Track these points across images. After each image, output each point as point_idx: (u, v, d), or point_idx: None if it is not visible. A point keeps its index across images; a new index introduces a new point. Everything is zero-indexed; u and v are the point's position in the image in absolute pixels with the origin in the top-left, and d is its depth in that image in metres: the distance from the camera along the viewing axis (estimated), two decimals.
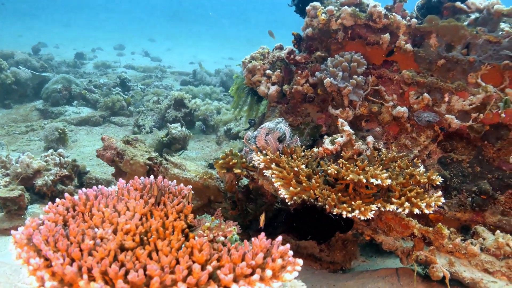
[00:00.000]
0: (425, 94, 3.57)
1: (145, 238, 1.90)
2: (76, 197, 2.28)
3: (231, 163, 3.38)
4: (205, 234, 1.84)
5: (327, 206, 2.44)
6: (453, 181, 3.50)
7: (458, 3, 3.75)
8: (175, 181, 2.42)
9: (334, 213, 2.41)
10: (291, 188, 2.58)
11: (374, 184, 2.48)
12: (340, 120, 3.46)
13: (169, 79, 13.62)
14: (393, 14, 3.70)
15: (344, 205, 2.42)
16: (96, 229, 1.91)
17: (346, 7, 3.71)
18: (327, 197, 2.50)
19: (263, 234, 1.70)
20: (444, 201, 3.46)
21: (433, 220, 3.53)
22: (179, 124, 6.35)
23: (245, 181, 3.62)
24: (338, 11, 3.78)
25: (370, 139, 3.52)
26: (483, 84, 3.47)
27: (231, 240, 1.83)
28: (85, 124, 8.15)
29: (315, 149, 3.34)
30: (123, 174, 4.18)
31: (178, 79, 13.60)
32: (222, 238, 1.82)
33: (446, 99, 3.56)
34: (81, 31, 32.06)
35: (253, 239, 1.70)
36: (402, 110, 3.59)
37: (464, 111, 3.52)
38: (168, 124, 6.62)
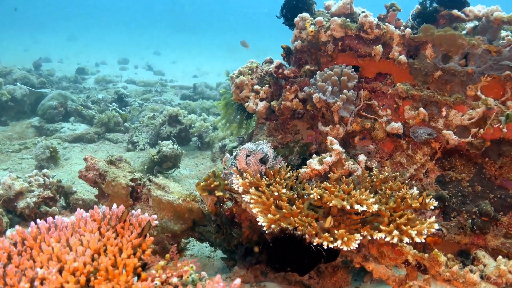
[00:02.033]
0: (421, 109, 3.34)
1: (93, 278, 1.69)
2: (28, 229, 2.09)
3: (212, 185, 3.18)
4: (157, 275, 1.63)
5: (307, 236, 2.22)
6: (452, 201, 3.26)
7: (455, 11, 3.53)
8: (139, 209, 2.21)
9: (315, 243, 2.18)
10: (269, 215, 2.36)
11: (359, 210, 2.25)
12: (329, 138, 3.24)
13: (169, 94, 13.48)
14: (386, 24, 3.49)
15: (326, 234, 2.19)
16: (38, 269, 1.71)
17: (335, 17, 3.51)
18: (308, 225, 2.28)
19: (218, 276, 1.48)
20: (439, 225, 3.22)
21: (430, 244, 3.28)
22: (171, 141, 6.16)
23: (229, 203, 3.41)
24: (328, 22, 3.58)
25: (361, 158, 3.29)
26: (483, 96, 3.24)
27: (186, 282, 1.61)
28: (80, 141, 7.99)
29: (302, 170, 3.12)
30: (106, 196, 3.99)
31: (179, 93, 13.46)
32: (175, 280, 1.60)
33: (444, 113, 3.33)
34: (87, 44, 32.22)
35: (207, 282, 1.48)
36: (396, 126, 3.36)
37: (463, 126, 3.29)
38: (160, 141, 6.43)
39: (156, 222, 2.15)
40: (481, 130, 3.22)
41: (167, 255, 1.76)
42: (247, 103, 3.96)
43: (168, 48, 34.33)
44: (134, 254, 1.86)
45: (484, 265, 2.76)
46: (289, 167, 2.97)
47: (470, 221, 3.17)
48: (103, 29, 46.27)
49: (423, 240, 2.27)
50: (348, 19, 3.56)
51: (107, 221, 2.11)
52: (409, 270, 2.62)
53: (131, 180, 3.88)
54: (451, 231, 3.19)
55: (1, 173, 5.93)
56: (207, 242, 3.67)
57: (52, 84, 12.60)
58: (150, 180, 3.91)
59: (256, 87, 3.94)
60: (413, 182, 3.35)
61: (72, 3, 63.98)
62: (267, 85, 3.91)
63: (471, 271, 2.70)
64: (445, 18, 3.58)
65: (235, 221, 3.30)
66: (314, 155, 3.23)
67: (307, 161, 3.16)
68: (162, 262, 1.70)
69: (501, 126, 3.18)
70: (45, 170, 4.73)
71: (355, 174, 3.09)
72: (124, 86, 14.05)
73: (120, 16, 60.11)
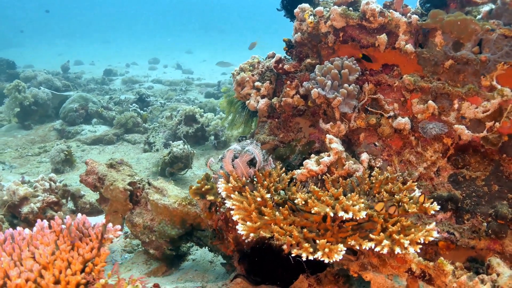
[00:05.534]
0: (430, 102, 3.07)
1: None
2: None
3: (203, 189, 3.00)
4: None
5: (285, 246, 2.02)
6: (465, 202, 2.97)
7: None
8: (103, 220, 2.06)
9: (293, 255, 1.98)
10: (248, 222, 2.17)
11: (344, 218, 2.03)
12: (328, 136, 3.01)
13: (193, 92, 13.39)
14: (391, 11, 3.22)
15: (306, 245, 1.98)
16: None
17: (335, 6, 3.26)
18: (288, 234, 2.07)
19: None
20: (452, 228, 2.95)
21: (443, 249, 3.01)
22: (182, 141, 6.03)
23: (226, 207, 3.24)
24: (328, 12, 3.34)
25: (364, 156, 3.06)
26: (499, 86, 2.93)
27: None
28: (99, 143, 7.98)
29: (298, 171, 2.91)
30: (106, 201, 3.89)
31: (203, 91, 13.35)
32: None
33: (456, 106, 3.04)
34: (121, 47, 32.72)
35: None
36: (403, 121, 3.10)
37: (477, 119, 3.00)
38: (171, 142, 6.31)
39: (120, 233, 2.00)
40: (497, 124, 2.92)
41: (109, 273, 1.60)
42: (248, 101, 3.77)
43: (200, 47, 34.39)
44: (84, 269, 1.71)
45: (498, 275, 2.49)
46: (283, 169, 2.76)
47: (485, 224, 2.88)
48: (137, 31, 47.02)
49: (418, 250, 2.03)
50: (350, 8, 3.31)
51: (66, 232, 1.96)
52: (410, 281, 2.38)
53: (130, 184, 3.76)
54: (464, 235, 2.91)
55: (18, 178, 5.93)
56: (206, 247, 3.51)
57: (79, 87, 12.74)
58: (149, 183, 3.78)
59: (257, 83, 3.74)
60: (418, 182, 3.09)
61: (107, 6, 65.32)
62: (268, 81, 3.71)
63: (482, 281, 2.43)
64: (456, 2, 3.28)
65: (230, 226, 3.13)
66: (312, 155, 3.02)
67: (304, 162, 2.95)
68: (102, 281, 1.54)
69: None
70: (51, 175, 4.68)
71: (356, 174, 2.86)
72: (150, 86, 14.08)
73: (155, 18, 60.95)
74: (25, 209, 4.23)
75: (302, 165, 3.22)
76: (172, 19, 60.99)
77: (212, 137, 7.46)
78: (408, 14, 3.26)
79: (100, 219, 4.24)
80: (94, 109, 9.02)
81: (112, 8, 64.81)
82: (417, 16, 3.18)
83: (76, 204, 4.90)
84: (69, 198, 4.84)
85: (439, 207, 2.32)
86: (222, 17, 61.91)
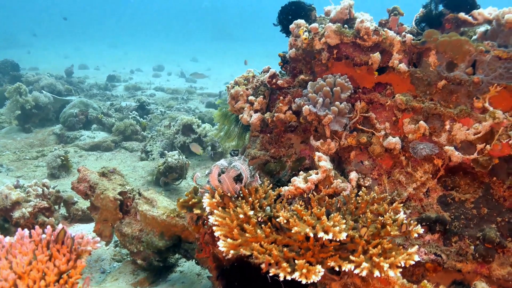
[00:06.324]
0: (421, 122, 3.05)
1: None
2: None
3: (190, 202, 2.99)
4: None
5: (263, 265, 2.00)
6: (454, 224, 2.95)
7: (462, 14, 3.23)
8: (82, 231, 2.05)
9: (271, 274, 1.96)
10: (228, 239, 2.16)
11: (324, 239, 2.02)
12: (317, 153, 3.00)
13: (195, 101, 13.41)
14: (385, 29, 3.22)
15: (284, 264, 1.97)
16: None
17: (330, 24, 3.27)
18: (268, 252, 2.06)
19: None
20: (440, 250, 2.93)
21: (429, 270, 2.99)
22: (177, 152, 6.03)
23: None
24: (323, 28, 3.34)
25: (353, 175, 3.04)
26: (491, 108, 2.92)
27: None
28: (97, 149, 7.99)
29: (285, 188, 2.89)
30: (97, 209, 3.89)
31: (205, 101, 13.36)
32: None
33: (447, 127, 3.03)
34: (127, 52, 32.82)
35: None
36: (393, 141, 3.09)
37: (468, 141, 2.98)
38: (166, 152, 6.31)
39: (99, 245, 1.99)
40: (488, 146, 2.90)
41: (80, 286, 1.59)
42: (241, 115, 3.77)
43: (206, 55, 34.41)
44: (59, 280, 1.71)
45: None
46: (270, 185, 2.75)
47: (473, 247, 2.85)
48: (144, 37, 47.25)
49: (398, 274, 2.01)
50: (346, 25, 3.32)
51: (45, 242, 1.96)
52: None
53: (120, 193, 3.76)
54: (451, 257, 2.88)
55: (13, 181, 5.94)
56: (194, 260, 3.49)
57: (81, 91, 12.79)
58: (139, 194, 3.78)
59: (250, 98, 3.74)
60: (407, 202, 3.07)
61: (115, 12, 65.86)
62: (261, 96, 3.71)
63: None
64: (451, 22, 3.28)
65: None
66: (300, 172, 3.01)
67: (292, 179, 2.94)
68: None
69: (510, 141, 2.85)
70: (45, 180, 4.69)
71: (343, 193, 2.84)
72: (152, 94, 14.12)
73: (162, 24, 61.29)
74: (16, 214, 4.23)
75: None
76: (181, 27, 61.29)
77: (209, 148, 7.46)
78: (403, 33, 3.26)
79: (91, 227, 4.24)
80: (94, 115, 9.05)
81: (123, 13, 65.35)
82: (411, 36, 3.18)
83: (69, 211, 4.90)
84: (61, 204, 4.85)
85: (423, 230, 2.31)
86: (230, 27, 62.00)
